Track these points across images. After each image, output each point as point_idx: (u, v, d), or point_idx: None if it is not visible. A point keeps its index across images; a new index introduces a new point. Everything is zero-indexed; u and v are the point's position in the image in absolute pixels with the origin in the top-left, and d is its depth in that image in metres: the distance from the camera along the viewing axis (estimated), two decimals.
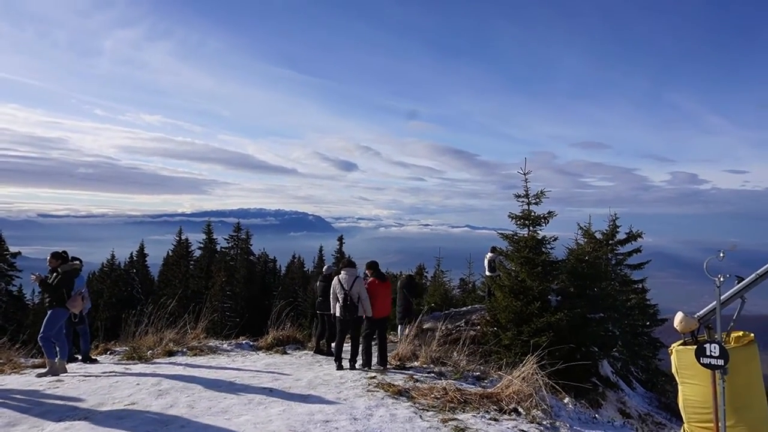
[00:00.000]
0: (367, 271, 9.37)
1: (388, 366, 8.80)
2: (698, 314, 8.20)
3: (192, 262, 46.28)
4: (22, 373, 8.11)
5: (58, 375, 7.62)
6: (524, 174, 12.01)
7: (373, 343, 8.94)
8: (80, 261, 9.66)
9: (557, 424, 5.98)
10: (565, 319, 10.70)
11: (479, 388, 7.29)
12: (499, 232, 12.64)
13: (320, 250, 51.73)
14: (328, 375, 7.96)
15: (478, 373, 8.47)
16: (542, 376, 7.01)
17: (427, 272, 42.33)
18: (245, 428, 5.09)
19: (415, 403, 6.43)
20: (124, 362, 9.05)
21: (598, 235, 18.72)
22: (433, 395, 6.76)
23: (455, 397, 6.63)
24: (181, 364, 8.55)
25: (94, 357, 9.46)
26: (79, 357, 9.27)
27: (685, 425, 8.05)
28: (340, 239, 49.56)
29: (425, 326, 13.96)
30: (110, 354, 9.97)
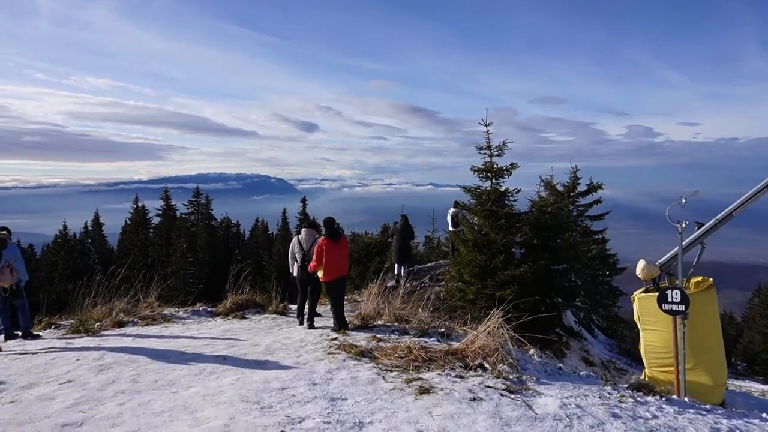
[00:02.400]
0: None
1: (349, 326, 8.53)
2: (659, 261, 8.18)
3: (151, 230, 44.99)
4: None
5: None
6: (486, 125, 11.67)
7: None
8: (8, 230, 8.91)
9: (524, 377, 5.82)
10: (530, 271, 10.62)
11: (444, 345, 7.09)
12: (462, 186, 12.37)
13: (284, 213, 50.98)
14: (288, 339, 7.63)
15: (443, 330, 8.28)
16: (508, 330, 6.85)
17: (390, 230, 42.34)
18: (193, 401, 4.71)
19: (378, 364, 6.18)
20: (68, 336, 8.47)
21: (560, 188, 18.77)
22: (396, 355, 6.51)
23: (420, 355, 6.40)
24: (130, 336, 8.04)
25: (36, 333, 8.84)
26: (19, 333, 8.64)
27: (647, 370, 8.13)
28: (303, 201, 48.88)
29: (389, 284, 13.77)
30: (55, 328, 9.33)
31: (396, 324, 8.70)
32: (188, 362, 6.10)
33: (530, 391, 5.31)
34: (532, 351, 8.00)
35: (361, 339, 7.51)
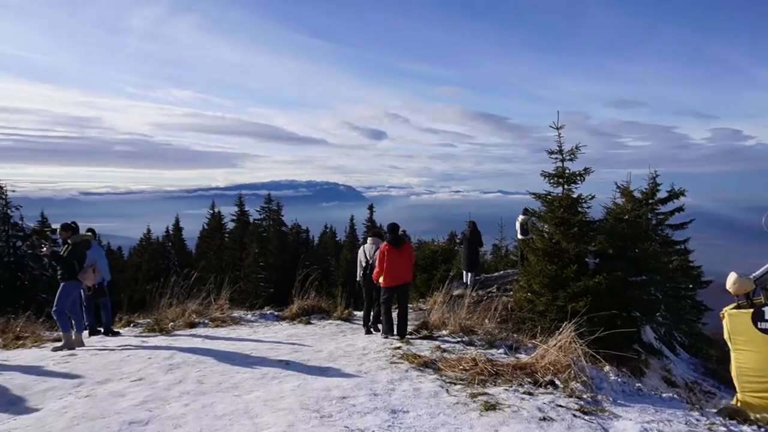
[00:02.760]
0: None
1: (413, 335, 8.36)
2: (754, 275, 7.43)
3: (226, 235, 46.95)
4: (42, 347, 7.98)
5: (73, 348, 7.44)
6: (557, 129, 11.18)
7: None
8: (93, 232, 9.44)
9: (599, 397, 5.42)
10: (605, 282, 10.02)
11: (512, 359, 6.77)
12: (532, 192, 11.90)
13: (351, 220, 51.65)
14: (351, 346, 7.56)
15: (510, 342, 7.94)
16: (581, 345, 6.44)
17: (459, 239, 41.80)
18: (254, 405, 4.71)
19: (441, 376, 5.96)
20: (144, 334, 8.85)
21: (637, 195, 17.70)
22: (461, 367, 6.27)
23: (486, 368, 6.12)
24: (200, 336, 8.29)
25: (116, 330, 9.32)
26: (101, 330, 9.14)
27: (738, 395, 7.37)
28: (371, 208, 49.29)
29: (455, 293, 13.47)
30: (133, 326, 9.82)
31: (461, 334, 8.44)
32: (252, 366, 6.15)
33: (606, 413, 4.92)
34: (607, 368, 7.51)
35: (424, 349, 7.32)
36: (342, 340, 8.16)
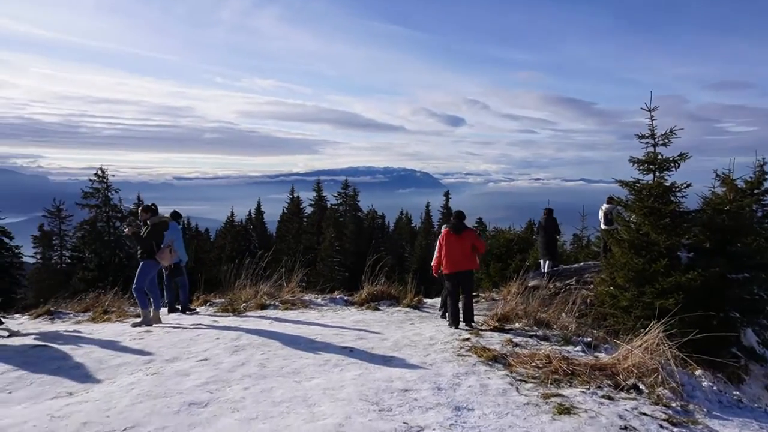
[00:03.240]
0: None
1: (483, 327, 8.00)
2: None
3: (304, 219, 48.27)
4: (124, 322, 8.40)
5: (151, 325, 7.74)
6: (649, 110, 10.24)
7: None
8: (178, 214, 9.76)
9: (690, 407, 4.84)
10: (699, 279, 9.08)
11: (590, 358, 6.26)
12: (618, 180, 11.03)
13: (427, 206, 51.41)
14: (418, 335, 7.32)
15: (589, 340, 7.37)
16: (670, 347, 5.82)
17: (536, 227, 40.34)
18: (312, 393, 4.59)
19: (512, 372, 5.60)
20: (218, 314, 9.09)
21: (740, 183, 16.04)
22: (534, 364, 5.86)
23: (560, 367, 5.68)
24: (269, 318, 8.37)
25: (193, 308, 9.65)
26: (179, 308, 9.50)
27: None
28: (447, 195, 48.78)
29: (530, 283, 12.86)
30: (209, 305, 10.13)
31: (535, 328, 7.96)
32: (316, 351, 6.07)
33: (700, 426, 4.38)
34: (700, 373, 6.79)
35: (495, 342, 6.95)
36: (409, 329, 7.94)
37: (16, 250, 35.61)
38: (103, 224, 32.96)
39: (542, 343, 7.07)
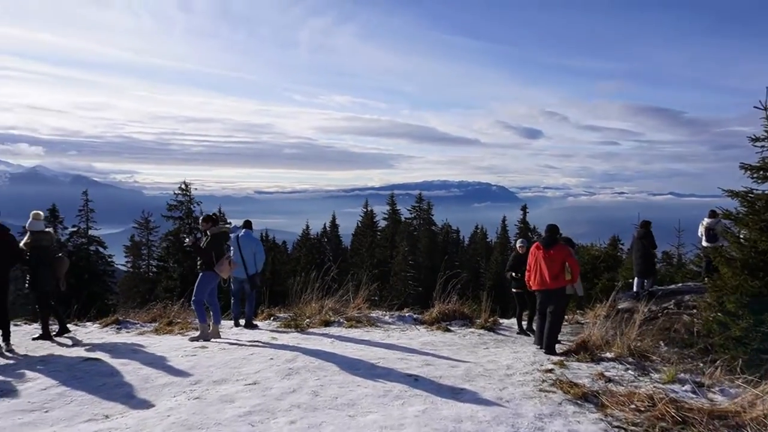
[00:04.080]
0: None
1: (570, 357, 7.03)
2: None
3: (378, 233, 48.16)
4: (185, 334, 8.17)
5: (208, 339, 7.43)
6: (765, 109, 8.87)
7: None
8: (249, 222, 9.48)
9: None
10: None
11: (704, 401, 5.18)
12: (727, 190, 9.65)
13: (503, 221, 49.76)
14: (493, 363, 6.49)
15: (700, 378, 6.23)
16: None
17: (623, 244, 37.72)
18: None
19: (606, 416, 4.67)
20: (279, 330, 8.69)
21: None
22: (633, 405, 4.89)
23: (668, 412, 4.68)
24: (331, 337, 7.83)
25: (255, 323, 9.32)
26: (242, 322, 9.20)
27: None
28: (524, 209, 47.00)
29: (621, 305, 11.57)
30: (272, 320, 9.77)
31: (630, 360, 6.87)
32: (376, 378, 5.42)
33: None
34: None
35: (583, 375, 5.99)
36: (483, 354, 7.12)
37: (109, 259, 37.89)
38: (185, 235, 34.35)
39: (640, 378, 6.03)
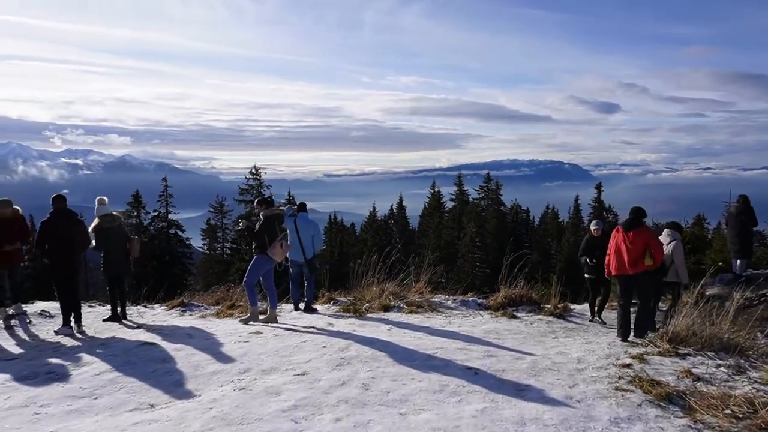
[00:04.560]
0: None
1: (649, 347, 6.35)
2: None
3: (445, 214, 47.51)
4: (239, 316, 8.15)
5: (257, 322, 7.36)
6: None
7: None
8: (303, 206, 9.35)
9: None
10: None
11: None
12: None
13: (576, 200, 47.56)
14: (562, 355, 5.94)
15: None
16: None
17: (708, 223, 34.90)
18: None
19: (695, 422, 4.07)
20: (338, 314, 8.50)
21: None
22: (728, 410, 4.25)
23: None
24: (389, 323, 7.54)
25: (315, 306, 9.19)
26: (301, 306, 9.11)
27: None
28: (599, 187, 44.70)
29: (709, 292, 10.51)
30: (333, 304, 9.61)
31: (722, 355, 6.10)
32: (432, 371, 5.05)
33: None
34: None
35: (666, 372, 5.33)
36: (551, 345, 6.57)
37: (187, 242, 39.73)
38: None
39: (735, 378, 5.30)
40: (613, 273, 7.31)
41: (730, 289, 10.29)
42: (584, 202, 46.70)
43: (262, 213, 7.63)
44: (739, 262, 10.85)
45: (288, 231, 8.95)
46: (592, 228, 9.15)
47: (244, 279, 7.60)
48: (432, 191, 48.83)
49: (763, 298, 9.65)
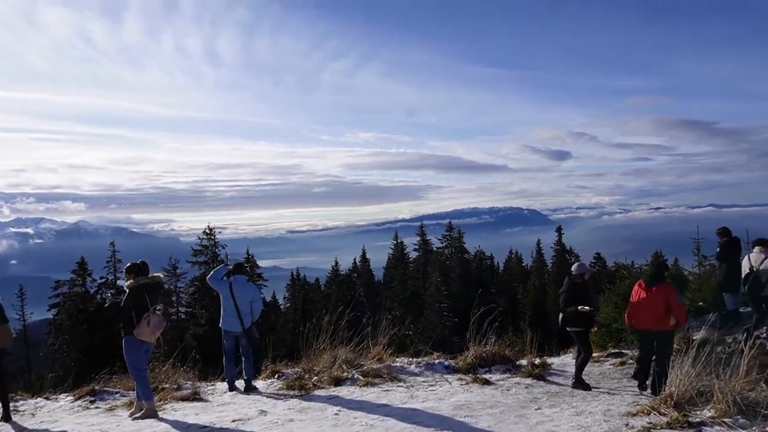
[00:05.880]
0: None
1: (650, 415, 5.22)
2: None
3: (410, 264, 46.45)
4: (164, 407, 6.65)
5: (155, 417, 5.91)
6: None
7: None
8: (241, 265, 8.05)
9: None
10: None
11: None
12: None
13: (538, 244, 47.51)
14: None
15: None
16: None
17: (666, 260, 34.90)
18: None
19: None
20: (279, 393, 7.09)
21: None
22: None
23: None
24: (338, 403, 6.18)
25: (254, 385, 7.73)
26: (239, 385, 7.65)
27: None
28: (559, 230, 44.81)
29: (696, 336, 9.57)
30: (278, 378, 8.15)
31: (741, 421, 5.02)
32: None
33: None
34: None
35: None
36: (535, 420, 5.36)
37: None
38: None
39: None
40: (636, 327, 7.11)
41: (718, 331, 9.37)
42: (546, 245, 46.65)
43: (127, 284, 6.18)
44: (727, 296, 10.05)
45: (222, 296, 7.65)
46: (574, 271, 7.69)
47: (130, 370, 6.14)
48: (395, 242, 47.95)
49: (757, 340, 8.72)
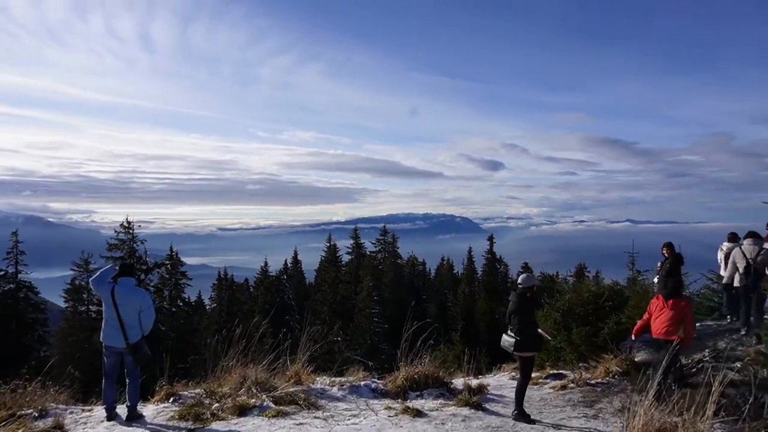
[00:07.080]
0: None
1: None
2: None
3: (342, 268, 45.14)
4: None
5: None
6: None
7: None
8: (128, 267, 6.71)
9: None
10: None
11: None
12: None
13: (469, 252, 47.68)
14: None
15: None
16: None
17: (588, 272, 35.76)
18: None
19: None
20: (169, 425, 5.81)
21: None
22: None
23: None
24: None
25: (140, 412, 6.38)
26: (121, 411, 6.27)
27: None
28: (491, 239, 45.06)
29: (638, 358, 9.10)
30: (173, 402, 6.83)
31: None
32: None
33: None
34: None
35: None
36: None
37: (42, 306, 33.54)
38: None
39: None
40: (653, 336, 7.33)
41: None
42: (477, 253, 46.88)
43: None
44: None
45: (105, 304, 6.28)
46: (529, 284, 6.66)
47: None
48: (328, 244, 46.59)
49: (700, 364, 8.30)
